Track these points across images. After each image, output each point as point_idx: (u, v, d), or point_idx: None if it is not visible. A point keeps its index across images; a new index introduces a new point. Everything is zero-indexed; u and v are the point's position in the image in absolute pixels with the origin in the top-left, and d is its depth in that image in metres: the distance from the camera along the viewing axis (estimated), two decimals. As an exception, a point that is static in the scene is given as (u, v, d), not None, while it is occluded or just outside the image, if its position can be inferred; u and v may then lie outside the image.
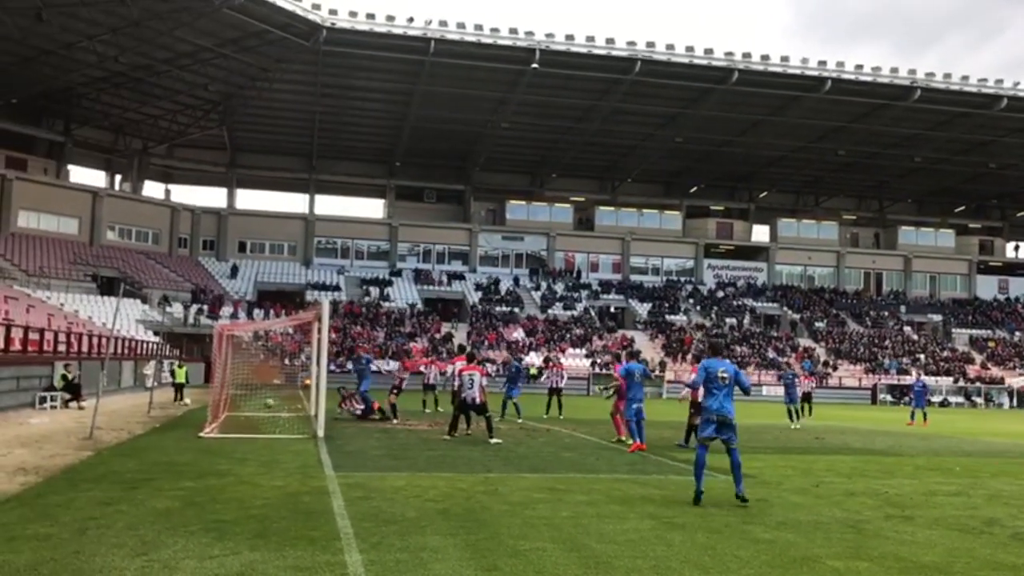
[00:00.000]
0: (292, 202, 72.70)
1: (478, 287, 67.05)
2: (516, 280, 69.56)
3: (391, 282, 65.88)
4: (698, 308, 68.91)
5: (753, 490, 11.11)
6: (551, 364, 29.17)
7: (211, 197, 70.25)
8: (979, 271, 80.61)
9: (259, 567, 6.33)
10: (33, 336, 24.68)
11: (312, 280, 64.21)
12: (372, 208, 75.69)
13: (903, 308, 74.62)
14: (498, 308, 63.45)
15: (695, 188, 77.49)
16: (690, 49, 55.71)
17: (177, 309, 52.92)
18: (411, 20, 51.35)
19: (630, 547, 7.39)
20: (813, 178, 76.65)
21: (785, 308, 71.18)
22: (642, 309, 67.33)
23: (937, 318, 73.28)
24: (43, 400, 22.45)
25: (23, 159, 58.03)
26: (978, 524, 9.18)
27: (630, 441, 16.49)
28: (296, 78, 56.07)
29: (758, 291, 73.68)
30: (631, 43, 55.07)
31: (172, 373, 30.87)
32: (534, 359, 54.23)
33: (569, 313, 64.47)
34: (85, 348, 30.15)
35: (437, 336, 56.51)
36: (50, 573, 6.09)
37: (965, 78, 59.36)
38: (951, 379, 59.82)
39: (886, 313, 73.09)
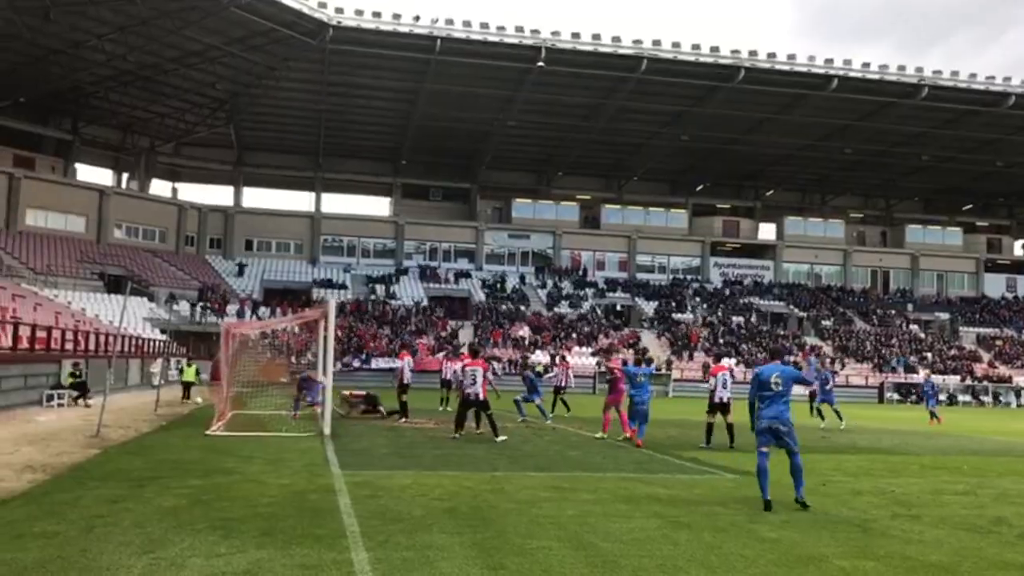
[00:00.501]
0: (298, 200, 72.82)
1: (484, 285, 67.20)
2: (522, 278, 69.52)
3: (397, 280, 66.08)
4: (705, 306, 68.79)
5: (757, 489, 11.14)
6: (562, 363, 29.19)
7: (218, 195, 70.49)
8: (987, 269, 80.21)
9: (266, 565, 6.35)
10: (40, 334, 24.70)
11: (318, 278, 64.45)
12: (378, 206, 75.74)
13: (910, 306, 74.32)
14: (504, 306, 63.48)
15: (701, 186, 77.28)
16: (696, 47, 55.57)
17: (184, 307, 53.11)
18: (417, 19, 51.48)
19: (636, 546, 7.40)
20: (820, 176, 76.44)
21: (792, 306, 70.86)
22: (648, 307, 67.22)
23: (944, 316, 72.95)
24: (50, 398, 22.51)
25: (31, 158, 58.16)
26: (985, 523, 9.15)
27: (620, 436, 17.24)
28: (303, 76, 56.05)
29: (765, 289, 73.40)
30: (637, 41, 54.98)
31: (180, 371, 31.03)
32: (540, 357, 54.27)
33: (575, 311, 64.45)
34: (92, 346, 30.24)
35: (443, 334, 56.58)
36: (57, 571, 6.11)
37: (973, 76, 59.13)
38: (958, 378, 59.72)
39: (893, 311, 72.77)
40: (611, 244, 74.06)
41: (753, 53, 56.41)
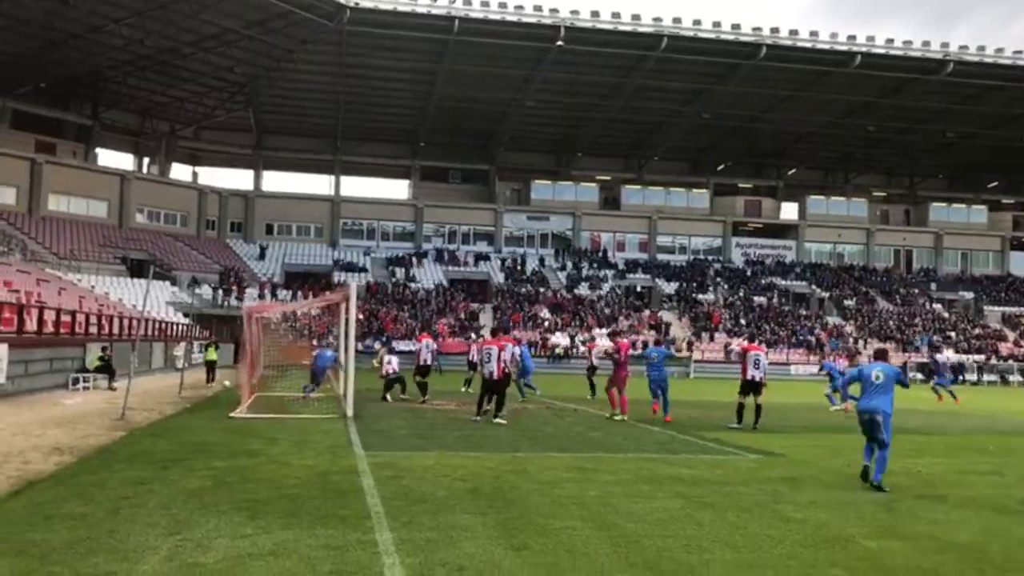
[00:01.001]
0: (318, 184, 72.89)
1: (503, 267, 67.19)
2: (541, 260, 69.42)
3: (417, 263, 66.24)
4: (726, 286, 68.44)
5: (783, 469, 11.11)
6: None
7: (238, 179, 70.65)
8: (1012, 247, 79.11)
9: (291, 545, 6.39)
10: (65, 318, 24.93)
11: (339, 261, 64.45)
12: (397, 189, 75.71)
13: (934, 285, 73.46)
14: (523, 288, 63.46)
15: (723, 166, 76.67)
16: (717, 25, 55.00)
17: (206, 291, 53.43)
18: (435, -1, 51.31)
19: (660, 526, 7.41)
20: (843, 154, 75.58)
21: (814, 286, 70.29)
22: (669, 288, 66.97)
23: (968, 295, 72.14)
24: (76, 381, 22.71)
25: (52, 143, 58.42)
26: (1013, 503, 9.10)
27: (619, 415, 17.53)
28: (321, 59, 55.95)
29: (787, 269, 72.91)
30: (657, 19, 54.44)
31: (205, 349, 31.22)
32: (560, 339, 54.27)
33: (595, 293, 64.38)
34: (116, 330, 30.49)
35: (462, 316, 56.66)
36: (86, 551, 6.17)
37: (1000, 51, 58.08)
38: (983, 357, 59.16)
39: (916, 291, 72.16)
40: (631, 225, 73.73)
41: (775, 30, 55.75)
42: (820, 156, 76.04)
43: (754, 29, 55.34)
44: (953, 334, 63.36)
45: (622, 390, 17.94)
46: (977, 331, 64.59)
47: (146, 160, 65.32)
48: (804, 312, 65.63)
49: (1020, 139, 67.95)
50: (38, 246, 49.55)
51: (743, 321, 61.30)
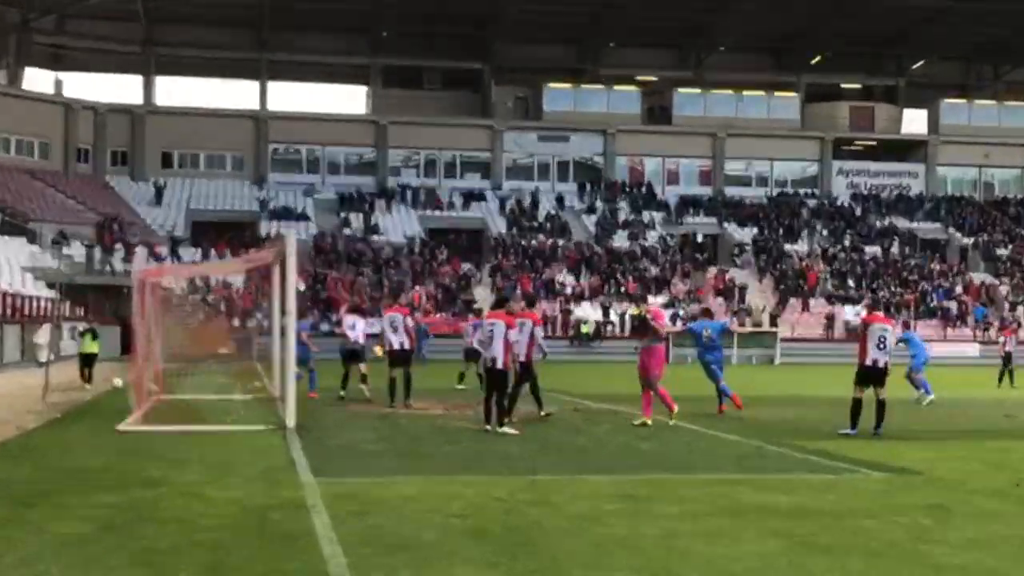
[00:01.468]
0: (236, 94, 72.42)
1: (505, 210, 66.78)
2: (560, 199, 69.01)
3: (382, 207, 65.73)
4: (825, 232, 68.11)
5: (924, 493, 11.04)
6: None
7: (121, 89, 70.01)
8: None
9: (213, 619, 6.32)
10: None
11: (267, 204, 63.95)
12: (350, 100, 75.27)
13: None
14: (534, 240, 63.15)
15: (818, 58, 76.05)
16: None
17: (78, 251, 53.14)
18: None
19: (753, 580, 7.39)
20: (992, 40, 74.71)
21: (951, 229, 70.24)
22: (744, 235, 66.70)
23: None
24: None
25: None
26: None
27: (647, 419, 17.56)
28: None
29: (912, 205, 72.68)
30: None
31: (80, 341, 31.02)
32: (588, 311, 54.05)
33: (637, 244, 64.10)
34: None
35: (447, 282, 56.48)
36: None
37: None
38: None
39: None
40: (688, 146, 73.20)
41: None
42: (959, 42, 75.32)
43: None
44: None
45: (658, 379, 17.96)
46: None
47: (-13, 63, 65.13)
48: (937, 267, 65.67)
49: None
50: None
51: (850, 281, 61.05)
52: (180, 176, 67.46)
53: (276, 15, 67.21)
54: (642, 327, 18.72)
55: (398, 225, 64.28)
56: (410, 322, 22.61)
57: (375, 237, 61.88)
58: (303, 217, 63.46)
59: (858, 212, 71.57)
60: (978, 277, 64.36)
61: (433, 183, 69.60)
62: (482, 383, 22.75)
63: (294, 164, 70.06)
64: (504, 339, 16.56)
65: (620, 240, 64.65)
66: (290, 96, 71.96)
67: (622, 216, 67.56)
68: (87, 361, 28.26)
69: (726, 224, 68.50)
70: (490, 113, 72.27)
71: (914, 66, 78.18)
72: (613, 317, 54.17)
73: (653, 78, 75.18)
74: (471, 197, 68.00)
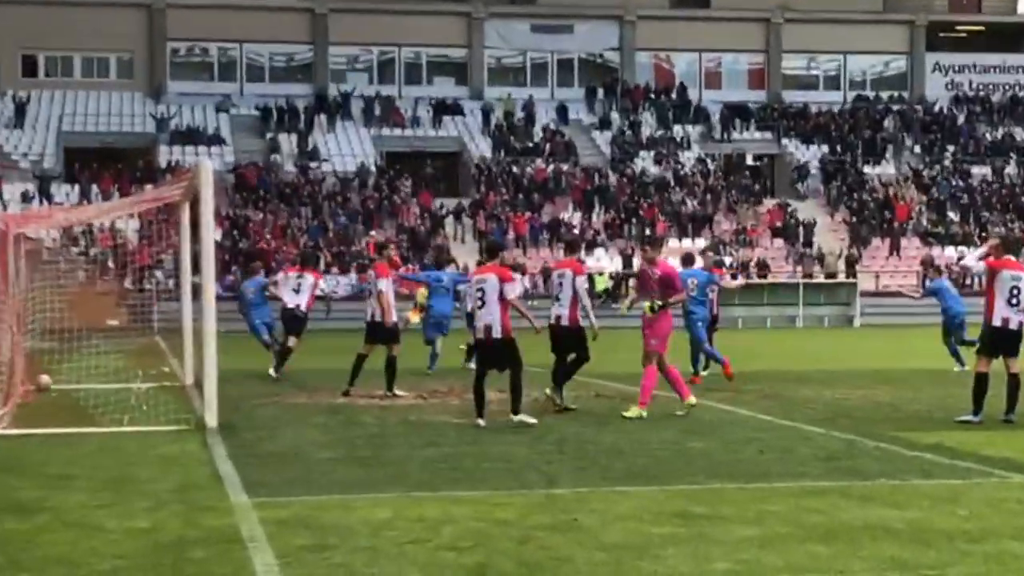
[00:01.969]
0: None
1: (489, 128, 66.45)
2: (561, 111, 68.80)
3: (323, 124, 65.48)
4: (917, 148, 68.20)
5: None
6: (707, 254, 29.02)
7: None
8: None
9: None
10: None
11: (167, 123, 64.16)
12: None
13: None
14: (528, 166, 63.13)
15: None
16: None
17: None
18: None
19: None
20: None
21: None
22: (809, 155, 66.68)
23: None
24: None
25: None
26: None
27: (690, 402, 18.19)
28: None
29: (1030, 111, 71.90)
30: None
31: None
32: (605, 263, 54.02)
33: (666, 168, 64.01)
34: None
35: (413, 223, 56.49)
36: None
37: None
38: None
39: None
40: (732, 37, 73.11)
41: None
42: None
43: None
44: None
45: (656, 350, 17.79)
46: None
47: None
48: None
49: None
50: None
51: (953, 213, 61.14)
52: (48, 87, 66.97)
53: None
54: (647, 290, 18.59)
55: (345, 148, 64.07)
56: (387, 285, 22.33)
57: (314, 165, 61.74)
58: (216, 140, 63.18)
59: (961, 121, 71.62)
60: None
61: (391, 91, 69.33)
62: (470, 358, 23.05)
63: (203, 69, 69.70)
64: (500, 299, 16.38)
65: (644, 162, 64.57)
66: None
67: (646, 132, 67.48)
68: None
69: (785, 141, 68.36)
70: (467, -3, 70.52)
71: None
72: (636, 267, 53.71)
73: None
74: (443, 109, 67.55)
